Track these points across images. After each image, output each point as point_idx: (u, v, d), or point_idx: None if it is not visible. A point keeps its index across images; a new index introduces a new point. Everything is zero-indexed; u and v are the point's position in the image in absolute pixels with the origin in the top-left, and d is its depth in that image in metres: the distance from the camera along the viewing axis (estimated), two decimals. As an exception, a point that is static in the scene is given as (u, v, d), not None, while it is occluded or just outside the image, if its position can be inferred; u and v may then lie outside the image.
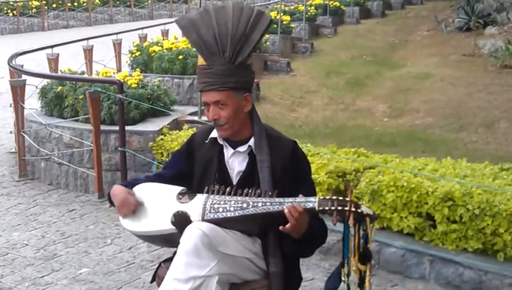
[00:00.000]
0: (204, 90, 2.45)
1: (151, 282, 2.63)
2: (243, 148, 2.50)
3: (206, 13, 2.42)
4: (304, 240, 2.35)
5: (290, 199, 2.29)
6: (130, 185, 2.61)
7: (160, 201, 2.49)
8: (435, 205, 3.86)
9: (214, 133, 2.54)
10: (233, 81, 2.40)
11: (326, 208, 2.22)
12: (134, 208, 2.51)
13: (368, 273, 2.27)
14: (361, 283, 2.27)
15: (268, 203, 2.30)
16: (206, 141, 2.57)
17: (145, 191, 2.56)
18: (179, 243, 2.31)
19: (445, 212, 3.82)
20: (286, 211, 2.25)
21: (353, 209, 2.20)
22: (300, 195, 2.30)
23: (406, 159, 4.70)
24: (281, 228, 2.27)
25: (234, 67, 2.39)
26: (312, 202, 2.25)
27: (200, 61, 2.47)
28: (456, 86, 9.01)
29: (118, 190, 2.55)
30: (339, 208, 2.20)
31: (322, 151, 4.95)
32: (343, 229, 2.31)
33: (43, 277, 4.09)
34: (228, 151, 2.53)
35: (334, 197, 2.23)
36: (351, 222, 2.21)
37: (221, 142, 2.54)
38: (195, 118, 6.43)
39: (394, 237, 4.04)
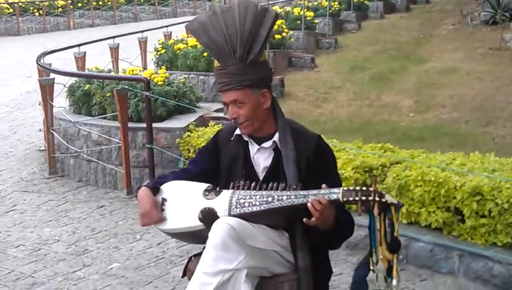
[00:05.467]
0: (222, 90, 2.50)
1: (183, 277, 2.67)
2: (267, 144, 2.53)
3: (214, 15, 2.46)
4: (331, 232, 2.36)
5: (314, 191, 2.30)
6: (157, 184, 2.63)
7: (187, 198, 2.52)
8: (463, 199, 3.84)
9: (239, 130, 2.58)
10: (247, 79, 2.44)
11: (351, 198, 2.23)
12: (155, 222, 2.54)
13: (395, 261, 2.28)
14: (389, 271, 2.29)
15: (293, 197, 2.32)
16: (232, 138, 2.60)
17: (172, 189, 2.60)
18: (207, 238, 2.34)
19: (474, 207, 3.80)
20: (309, 204, 2.27)
21: (377, 199, 2.21)
22: (323, 186, 2.31)
23: (433, 154, 4.68)
24: (304, 220, 2.30)
25: (247, 66, 2.43)
26: (336, 193, 2.26)
27: (216, 62, 2.52)
28: (483, 80, 8.93)
29: (144, 198, 2.56)
30: (363, 198, 2.21)
31: (348, 146, 4.95)
32: (369, 218, 2.33)
33: (75, 271, 4.17)
34: (253, 148, 2.56)
35: (358, 188, 2.23)
36: (375, 211, 2.22)
37: (246, 139, 2.57)
38: (221, 114, 6.47)
39: (422, 232, 4.04)
